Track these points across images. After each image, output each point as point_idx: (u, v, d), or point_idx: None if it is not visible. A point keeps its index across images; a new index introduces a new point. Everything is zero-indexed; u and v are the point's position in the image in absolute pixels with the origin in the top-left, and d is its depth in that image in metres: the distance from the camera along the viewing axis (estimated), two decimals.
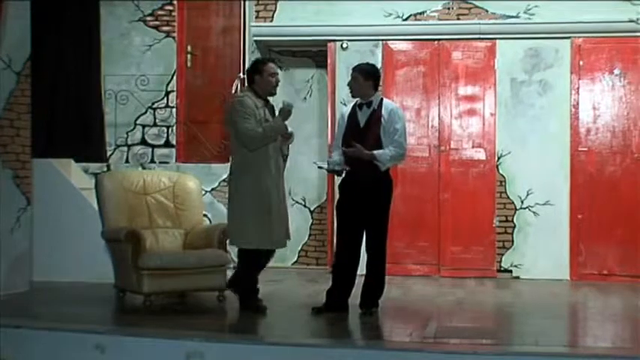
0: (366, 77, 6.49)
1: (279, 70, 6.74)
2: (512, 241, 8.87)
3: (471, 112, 8.97)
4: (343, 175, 6.59)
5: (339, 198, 6.60)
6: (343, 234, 6.48)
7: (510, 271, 8.84)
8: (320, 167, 6.56)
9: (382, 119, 6.43)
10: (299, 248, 9.24)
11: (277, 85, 6.67)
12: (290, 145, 6.70)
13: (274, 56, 9.52)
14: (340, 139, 6.58)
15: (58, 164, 8.20)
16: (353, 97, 6.60)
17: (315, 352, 5.26)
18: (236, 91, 8.76)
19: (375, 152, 6.35)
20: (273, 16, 9.23)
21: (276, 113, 6.61)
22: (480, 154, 8.93)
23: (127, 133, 9.08)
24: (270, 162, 6.51)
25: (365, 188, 6.38)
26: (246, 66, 8.79)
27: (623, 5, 8.67)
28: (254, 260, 6.60)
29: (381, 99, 6.58)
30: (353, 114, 6.56)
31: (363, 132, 6.44)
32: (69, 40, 8.61)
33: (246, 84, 6.83)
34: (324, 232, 9.18)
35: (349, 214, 6.43)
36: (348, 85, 6.61)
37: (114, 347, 5.39)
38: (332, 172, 6.69)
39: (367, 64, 6.75)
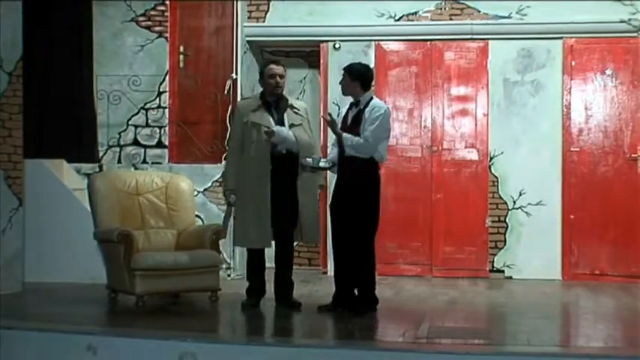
0: (353, 77, 6.50)
1: (280, 69, 6.73)
2: (505, 241, 8.88)
3: (464, 113, 8.98)
4: (335, 172, 6.62)
5: (331, 199, 6.64)
6: (336, 234, 6.51)
7: (503, 271, 8.85)
8: (305, 165, 6.55)
9: (363, 118, 6.46)
10: None
11: (278, 85, 6.70)
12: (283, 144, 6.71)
13: (267, 56, 9.53)
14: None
15: (50, 165, 8.19)
16: (343, 95, 6.69)
17: (306, 353, 5.25)
18: (228, 92, 8.75)
19: (343, 134, 6.41)
20: (265, 17, 9.23)
21: (296, 112, 6.78)
22: (473, 155, 8.94)
23: (119, 133, 9.06)
24: (251, 162, 6.57)
25: (348, 187, 6.42)
26: (239, 66, 8.83)
27: (614, 5, 8.69)
28: (251, 259, 6.78)
29: (370, 98, 6.58)
30: (346, 113, 6.66)
31: (348, 131, 6.48)
32: (61, 41, 8.62)
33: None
34: None
35: (339, 214, 6.46)
36: (340, 83, 6.67)
37: (106, 348, 5.38)
38: (317, 170, 6.68)
39: (359, 63, 6.75)
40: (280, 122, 6.68)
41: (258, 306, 6.73)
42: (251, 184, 6.58)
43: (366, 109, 6.48)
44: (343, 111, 6.75)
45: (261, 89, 6.91)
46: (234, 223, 6.97)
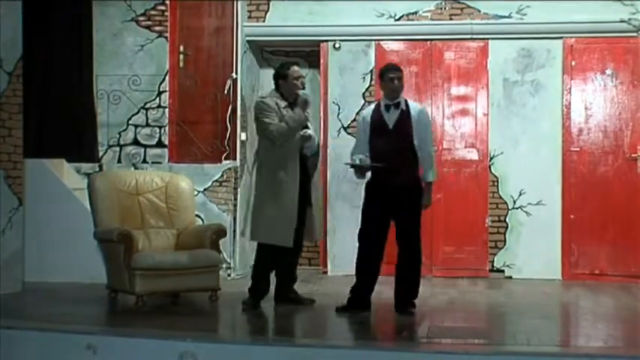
0: None
1: (302, 72, 6.89)
2: (505, 241, 8.88)
3: (464, 113, 8.98)
4: (368, 175, 6.58)
5: (367, 200, 6.55)
6: (370, 235, 6.49)
7: (503, 271, 8.85)
8: (353, 165, 6.48)
9: (412, 120, 6.45)
10: None
11: (303, 87, 6.84)
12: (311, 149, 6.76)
13: (267, 56, 9.54)
14: (365, 142, 6.53)
15: (50, 164, 8.19)
16: (394, 99, 6.47)
17: (305, 352, 5.24)
18: (228, 92, 8.76)
19: (429, 177, 6.52)
20: (265, 17, 9.22)
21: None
22: (473, 155, 8.94)
23: (119, 133, 9.06)
24: (288, 162, 6.57)
25: (402, 190, 6.40)
26: (239, 66, 8.83)
27: (614, 5, 8.68)
28: (265, 257, 6.72)
29: (405, 99, 6.59)
30: (378, 116, 6.51)
31: (392, 133, 6.45)
32: (61, 41, 8.61)
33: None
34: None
35: (379, 215, 6.44)
36: (394, 88, 6.46)
37: (106, 348, 5.38)
38: (362, 170, 6.58)
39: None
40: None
41: (259, 305, 6.73)
42: (285, 182, 6.55)
43: (412, 112, 6.47)
44: (368, 116, 6.54)
45: (272, 89, 6.91)
46: (253, 217, 6.73)
